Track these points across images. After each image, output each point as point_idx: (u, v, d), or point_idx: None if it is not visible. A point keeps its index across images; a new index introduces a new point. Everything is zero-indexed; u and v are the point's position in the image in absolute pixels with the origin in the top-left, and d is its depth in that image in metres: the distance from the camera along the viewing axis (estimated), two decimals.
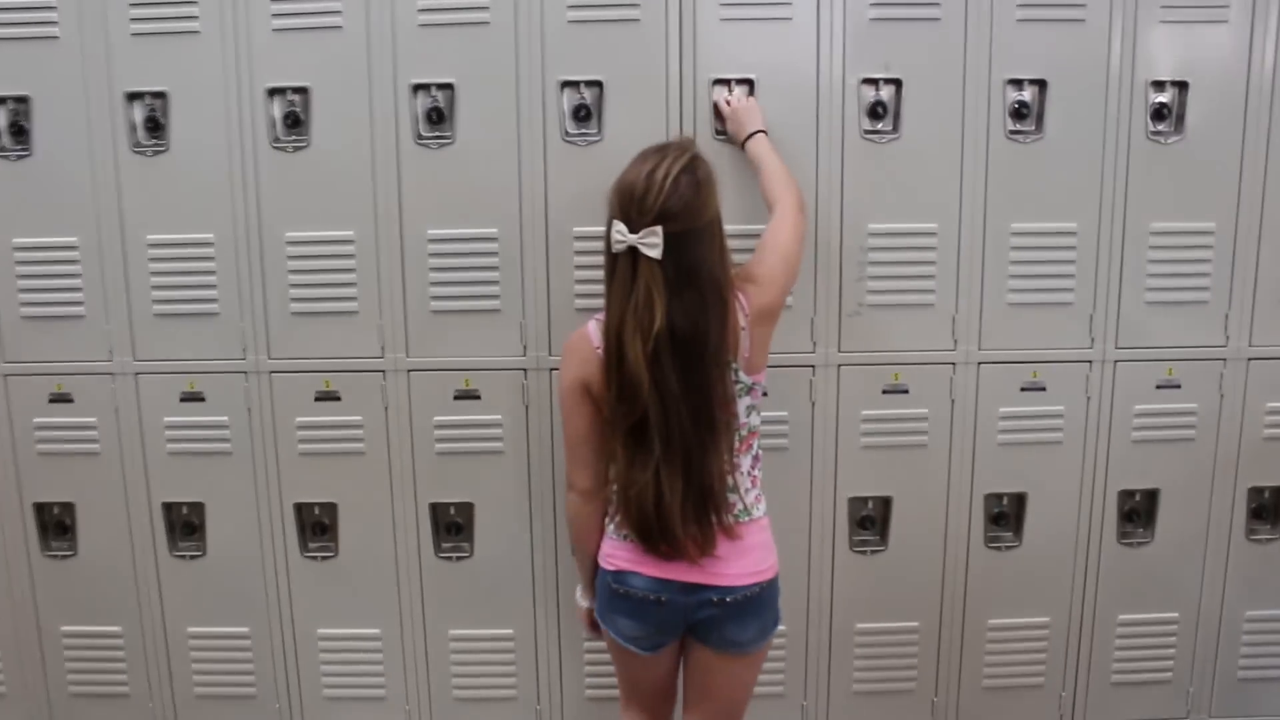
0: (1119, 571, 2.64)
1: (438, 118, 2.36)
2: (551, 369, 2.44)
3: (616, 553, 1.99)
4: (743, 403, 1.95)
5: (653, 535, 1.91)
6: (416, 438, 2.50)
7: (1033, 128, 2.43)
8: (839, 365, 2.48)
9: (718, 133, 2.37)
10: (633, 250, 1.82)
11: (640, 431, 1.87)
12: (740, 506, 1.96)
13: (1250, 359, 2.55)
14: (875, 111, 2.39)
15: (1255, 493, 2.63)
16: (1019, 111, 2.42)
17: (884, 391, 2.50)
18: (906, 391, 2.51)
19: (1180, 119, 2.44)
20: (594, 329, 1.94)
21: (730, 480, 1.92)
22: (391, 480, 2.52)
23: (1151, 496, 2.62)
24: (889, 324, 2.48)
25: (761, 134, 2.28)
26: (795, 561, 2.55)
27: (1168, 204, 2.47)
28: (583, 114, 2.37)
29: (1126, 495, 2.61)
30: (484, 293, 2.44)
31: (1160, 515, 2.62)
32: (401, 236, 2.41)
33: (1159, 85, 2.43)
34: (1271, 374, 2.56)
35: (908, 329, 2.49)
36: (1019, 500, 2.59)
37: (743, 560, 1.96)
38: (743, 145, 2.30)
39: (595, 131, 2.38)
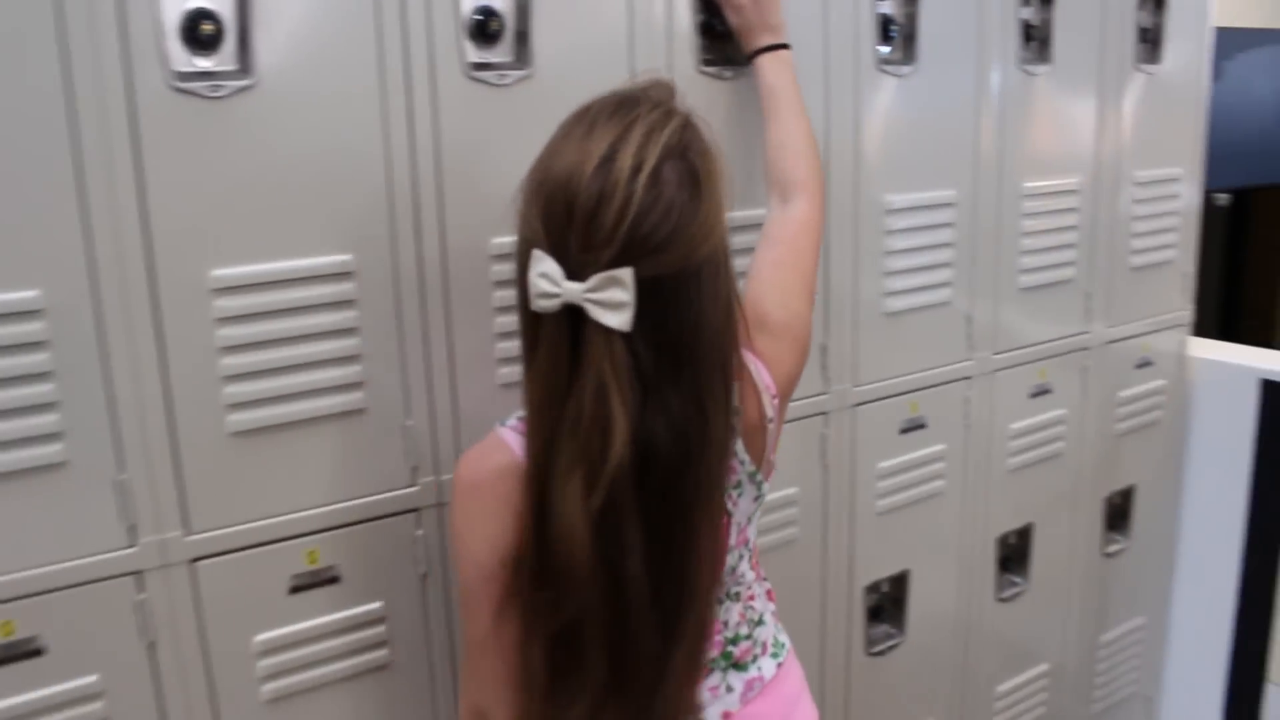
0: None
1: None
2: None
3: None
4: (754, 525, 1.14)
5: None
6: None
7: (1036, 54, 1.75)
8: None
9: (705, 63, 1.35)
10: (573, 312, 0.88)
11: (572, 640, 0.96)
12: (770, 646, 1.18)
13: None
14: (886, 32, 1.55)
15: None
16: (1028, 32, 1.73)
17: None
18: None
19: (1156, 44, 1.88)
20: (517, 446, 0.99)
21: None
22: None
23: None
24: None
25: (785, 50, 1.35)
26: None
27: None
28: (493, 29, 1.18)
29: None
30: (335, 379, 1.16)
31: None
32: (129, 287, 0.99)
33: None
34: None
35: None
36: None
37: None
38: (751, 59, 1.36)
39: (514, 60, 1.21)
